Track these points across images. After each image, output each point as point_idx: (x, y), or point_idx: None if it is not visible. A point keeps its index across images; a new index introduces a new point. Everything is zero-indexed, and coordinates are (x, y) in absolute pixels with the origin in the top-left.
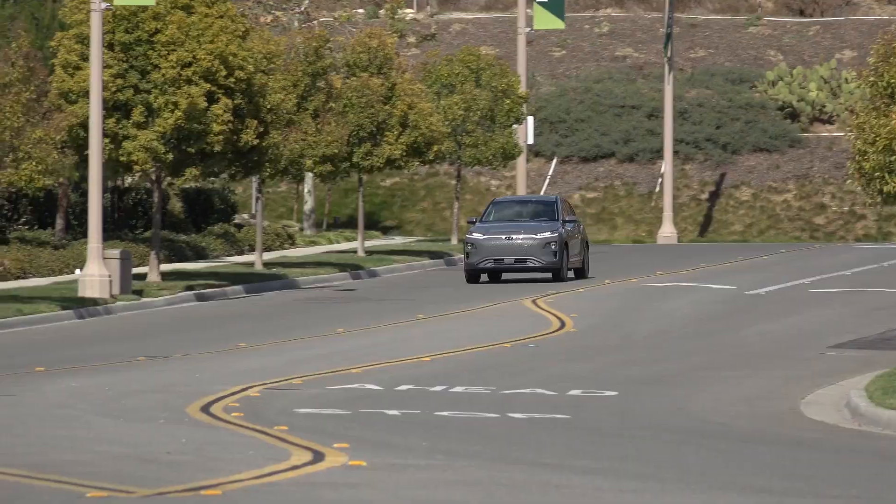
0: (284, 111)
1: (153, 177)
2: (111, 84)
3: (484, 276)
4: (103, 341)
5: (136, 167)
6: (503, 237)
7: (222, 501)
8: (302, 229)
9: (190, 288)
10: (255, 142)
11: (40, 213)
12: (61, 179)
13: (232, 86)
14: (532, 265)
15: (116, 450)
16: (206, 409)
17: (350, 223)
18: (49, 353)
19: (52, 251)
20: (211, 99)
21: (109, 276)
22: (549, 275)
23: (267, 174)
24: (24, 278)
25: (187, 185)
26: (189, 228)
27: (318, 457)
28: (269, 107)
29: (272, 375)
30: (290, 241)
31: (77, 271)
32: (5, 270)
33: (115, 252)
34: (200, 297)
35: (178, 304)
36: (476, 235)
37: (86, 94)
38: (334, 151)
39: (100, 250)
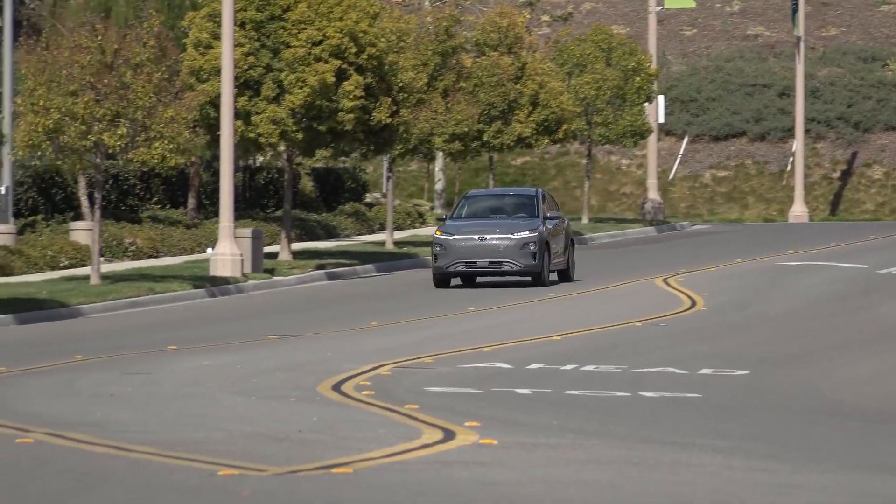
0: (415, 90)
1: (284, 156)
2: (242, 62)
3: (456, 279)
4: (235, 320)
5: (264, 140)
6: (476, 237)
7: (353, 480)
8: (432, 208)
9: (321, 267)
10: (388, 120)
11: (172, 193)
12: (193, 158)
13: (363, 64)
14: (508, 269)
15: (248, 428)
16: (337, 387)
17: None
18: (181, 331)
19: (184, 230)
20: (342, 77)
21: (241, 255)
22: (529, 279)
23: (398, 153)
24: (156, 257)
25: (318, 165)
26: (320, 207)
27: (449, 435)
28: (399, 85)
29: (403, 354)
30: (421, 219)
31: (209, 250)
32: (138, 249)
33: (247, 231)
34: (331, 276)
35: (309, 283)
36: (445, 235)
37: (217, 72)
38: (464, 130)
39: (231, 229)
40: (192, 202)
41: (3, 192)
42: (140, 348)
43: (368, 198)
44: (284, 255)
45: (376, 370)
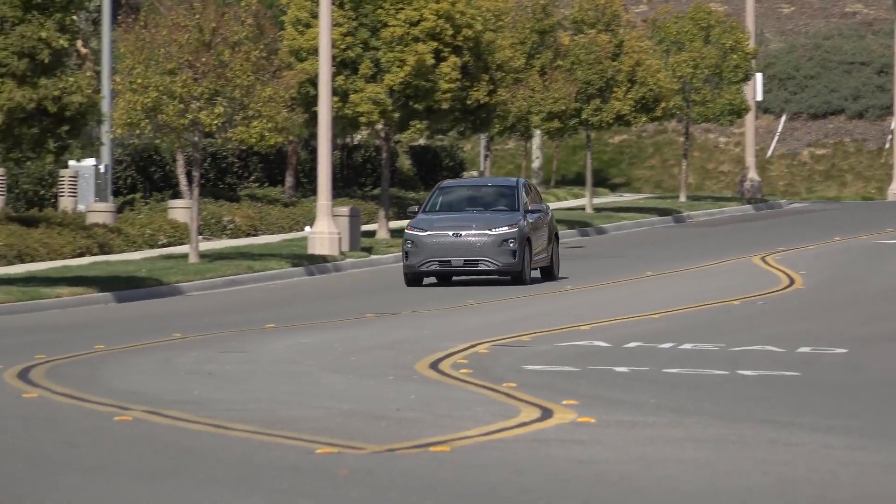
0: (512, 68)
1: (381, 134)
2: (340, 42)
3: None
4: (332, 298)
5: (363, 119)
6: (450, 233)
7: (451, 458)
8: None
9: None
10: (485, 99)
11: (270, 171)
12: (291, 137)
13: (460, 44)
14: (485, 268)
15: (346, 406)
16: (434, 365)
17: (578, 180)
18: (279, 309)
19: (282, 208)
20: (440, 57)
21: (339, 234)
22: (508, 278)
23: (495, 131)
24: (254, 235)
25: (415, 143)
26: (417, 186)
27: (547, 413)
28: (497, 64)
29: (500, 332)
30: None
31: (307, 228)
32: (236, 228)
33: (345, 209)
34: None
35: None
36: (416, 231)
37: (315, 51)
38: (562, 108)
39: (329, 207)
40: (289, 180)
41: (102, 170)
42: (238, 326)
43: (466, 176)
44: (382, 234)
45: (474, 348)
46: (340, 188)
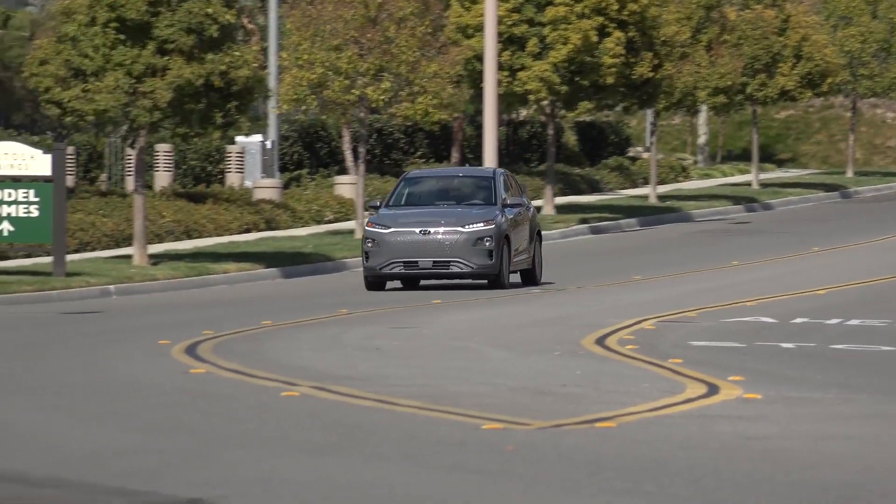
0: (678, 44)
1: (547, 110)
2: (506, 18)
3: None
4: None
5: (531, 97)
6: (417, 231)
7: (617, 433)
8: (696, 162)
9: (584, 221)
10: (649, 74)
11: (436, 147)
12: (456, 113)
13: (625, 19)
14: (457, 270)
15: (511, 382)
16: (600, 341)
17: (744, 156)
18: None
19: None
20: (604, 32)
21: None
22: (484, 282)
23: (661, 107)
24: None
25: (581, 119)
26: (583, 162)
27: (713, 389)
28: (662, 39)
29: (666, 308)
30: (684, 173)
31: None
32: None
33: None
34: (595, 230)
35: (572, 237)
36: (378, 228)
37: (481, 27)
38: (728, 84)
39: None
40: (455, 156)
41: (268, 146)
42: (405, 302)
43: (631, 152)
44: (548, 210)
45: (639, 324)
46: (506, 164)
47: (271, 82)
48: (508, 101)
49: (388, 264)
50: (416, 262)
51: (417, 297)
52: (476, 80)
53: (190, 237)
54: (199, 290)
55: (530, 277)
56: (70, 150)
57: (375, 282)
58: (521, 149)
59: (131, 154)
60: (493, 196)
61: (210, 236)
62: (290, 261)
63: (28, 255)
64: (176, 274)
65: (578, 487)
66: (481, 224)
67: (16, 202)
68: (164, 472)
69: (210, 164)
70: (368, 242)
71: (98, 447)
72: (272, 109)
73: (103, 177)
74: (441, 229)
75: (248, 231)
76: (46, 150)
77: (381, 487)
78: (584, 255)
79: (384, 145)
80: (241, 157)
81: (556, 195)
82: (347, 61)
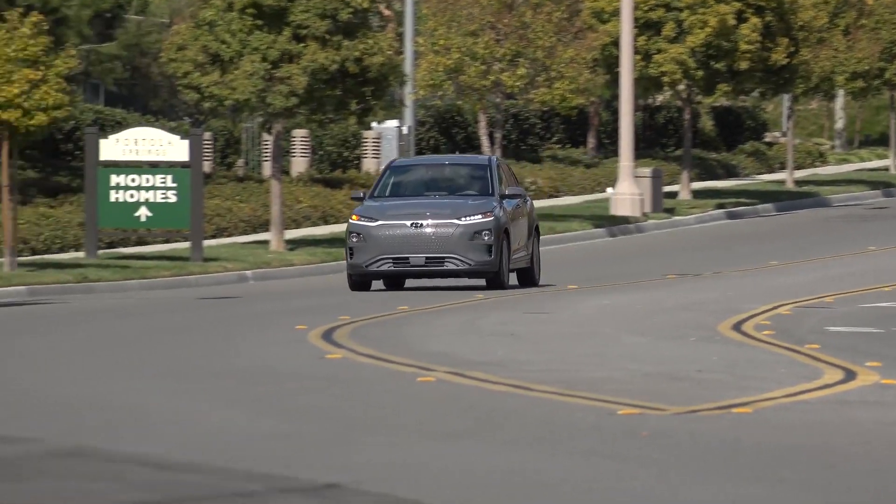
0: (815, 29)
1: (683, 95)
2: (643, 3)
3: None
4: (634, 259)
5: (666, 79)
6: (407, 223)
7: (752, 419)
8: (833, 147)
9: (720, 206)
10: (785, 60)
11: (572, 132)
12: (593, 98)
13: (763, 4)
14: (453, 267)
15: (647, 367)
16: (737, 327)
17: (881, 140)
18: (581, 270)
19: (584, 169)
20: (741, 17)
21: (640, 195)
22: (483, 281)
23: (798, 92)
24: (556, 196)
25: (717, 104)
26: (719, 147)
27: (850, 375)
28: (799, 24)
29: (802, 293)
30: (821, 158)
31: (608, 189)
32: (538, 189)
33: (647, 170)
34: (731, 215)
35: (708, 223)
36: (365, 221)
37: (617, 12)
38: (865, 68)
39: (631, 168)
40: (591, 141)
41: (405, 131)
42: (540, 288)
43: (768, 137)
44: (684, 195)
45: (776, 310)
46: (642, 149)
47: (407, 68)
48: (644, 85)
49: (376, 261)
50: (407, 258)
51: (551, 282)
52: (612, 65)
53: (326, 223)
54: (336, 276)
55: (528, 277)
56: (207, 135)
57: (360, 281)
58: (657, 134)
59: (268, 139)
60: (489, 186)
61: (346, 221)
62: None
63: (166, 241)
64: (312, 259)
65: (713, 473)
66: (479, 216)
67: (153, 188)
68: (301, 457)
69: (347, 150)
70: (353, 237)
71: (235, 432)
72: (408, 95)
73: (240, 162)
74: (434, 221)
75: None
76: (184, 135)
77: (515, 472)
78: (720, 240)
79: (520, 130)
80: (378, 142)
81: (692, 180)
82: (484, 47)
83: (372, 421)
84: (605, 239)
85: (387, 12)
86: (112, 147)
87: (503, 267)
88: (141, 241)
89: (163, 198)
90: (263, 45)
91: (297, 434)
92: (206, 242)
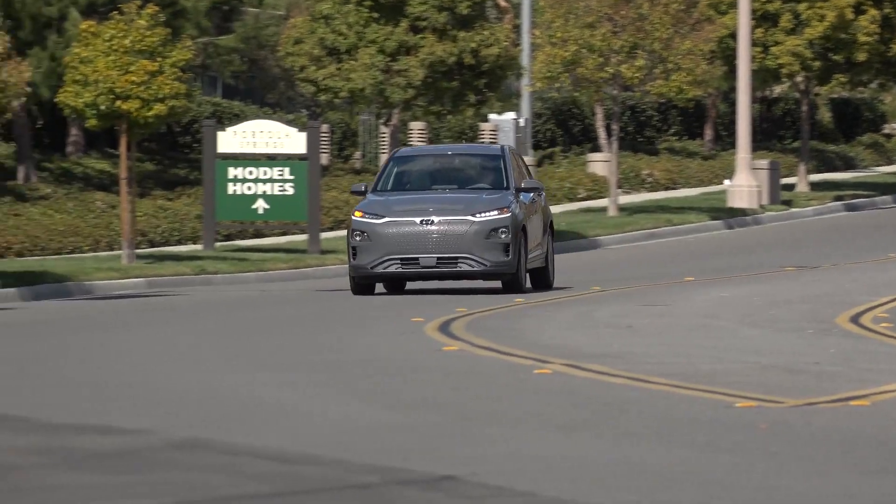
0: None
1: (801, 86)
2: None
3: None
4: (751, 251)
5: (784, 71)
6: (417, 220)
7: (871, 412)
8: None
9: (838, 198)
10: None
11: (689, 124)
12: (710, 90)
13: None
14: (467, 269)
15: (764, 360)
16: (854, 319)
17: None
18: (697, 262)
19: (701, 161)
20: (859, 10)
21: (758, 186)
22: (497, 283)
23: None
24: (672, 189)
25: (835, 95)
26: (837, 138)
27: None
28: None
29: None
30: None
31: (726, 181)
32: (655, 181)
33: (764, 162)
34: (849, 207)
35: (826, 215)
36: (370, 217)
37: (735, 4)
38: None
39: (748, 161)
40: (708, 133)
41: (522, 123)
42: (657, 280)
43: (886, 128)
44: (802, 187)
45: (894, 302)
46: (759, 141)
47: (524, 60)
48: (762, 77)
49: (382, 261)
50: (417, 258)
51: (667, 274)
52: (729, 56)
53: None
54: None
55: (542, 278)
56: (324, 128)
57: (364, 283)
58: (774, 126)
59: (385, 132)
60: (504, 178)
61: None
62: None
63: (283, 233)
64: None
65: (831, 466)
66: (494, 212)
67: (271, 180)
68: (417, 449)
69: (464, 142)
70: (357, 235)
71: (351, 424)
72: (525, 87)
73: (357, 154)
74: (446, 218)
75: None
76: (301, 128)
77: (632, 465)
78: (838, 233)
79: (637, 122)
80: (494, 134)
81: (809, 172)
82: (601, 39)
83: (489, 413)
84: (721, 231)
85: (504, 4)
86: (230, 139)
87: (521, 268)
88: (258, 234)
89: (280, 190)
90: (380, 37)
91: (414, 426)
92: (324, 234)
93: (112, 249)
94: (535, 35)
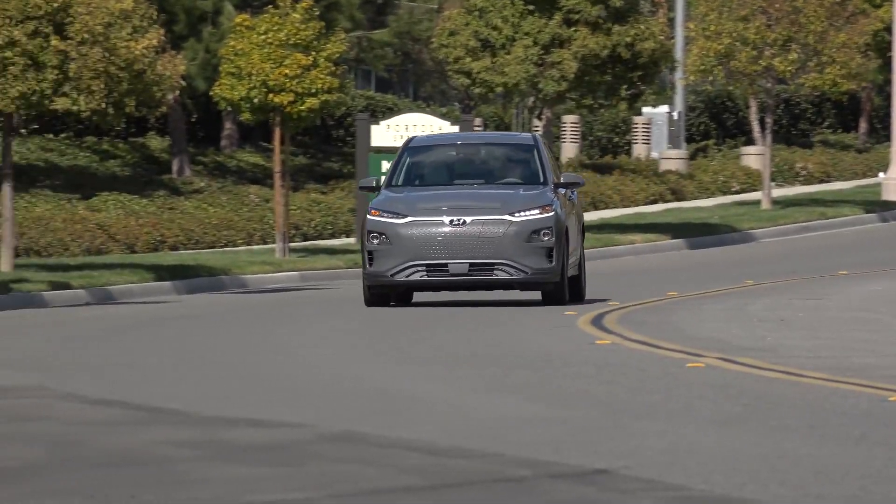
0: None
1: None
2: None
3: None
4: None
5: None
6: (446, 220)
7: None
8: None
9: None
10: None
11: (843, 117)
12: (865, 83)
13: None
14: (504, 276)
15: None
16: None
17: None
18: (851, 256)
19: (856, 155)
20: None
21: None
22: (533, 293)
23: None
24: (826, 182)
25: None
26: None
27: None
28: None
29: None
30: None
31: (880, 174)
32: (808, 174)
33: None
34: None
35: None
36: (389, 217)
37: None
38: None
39: None
40: (863, 126)
41: (675, 117)
42: (810, 273)
43: None
44: None
45: None
46: None
47: (678, 53)
48: None
49: (405, 268)
50: (446, 265)
51: (820, 268)
52: (884, 49)
53: (596, 208)
54: (605, 262)
55: (575, 288)
56: (477, 121)
57: (380, 294)
58: None
59: (538, 125)
60: (539, 172)
61: (616, 207)
62: (696, 231)
63: None
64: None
65: None
66: (536, 211)
67: None
68: (569, 443)
69: (616, 135)
70: (374, 238)
71: (503, 417)
72: (679, 80)
73: None
74: (480, 218)
75: (653, 202)
76: (454, 121)
77: (786, 458)
78: None
79: (791, 115)
80: (648, 127)
81: None
82: (755, 32)
83: (641, 407)
84: (876, 224)
85: None
86: (383, 133)
87: (565, 275)
88: None
89: None
90: (535, 29)
91: (566, 420)
92: None
93: (265, 243)
94: (689, 28)
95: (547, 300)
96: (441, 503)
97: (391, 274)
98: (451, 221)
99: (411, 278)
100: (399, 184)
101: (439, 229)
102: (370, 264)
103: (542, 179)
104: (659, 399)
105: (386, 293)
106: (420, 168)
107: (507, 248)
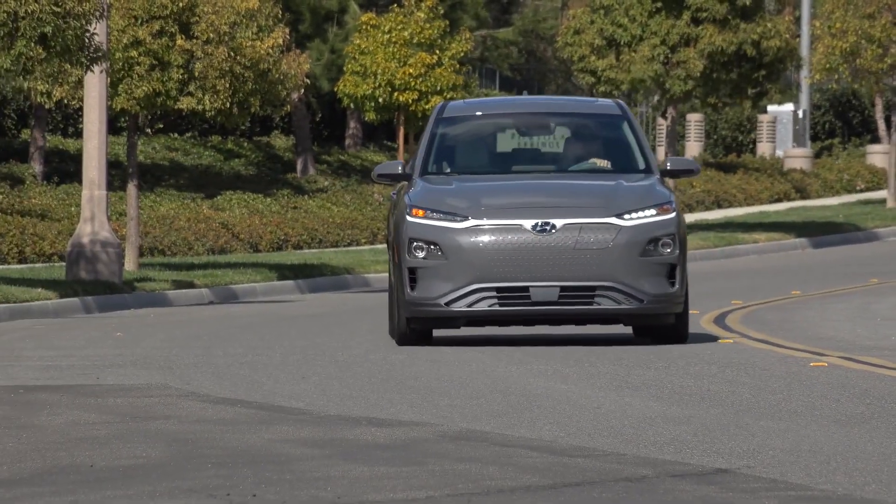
0: None
1: None
2: None
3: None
4: None
5: None
6: (525, 222)
7: None
8: None
9: None
10: None
11: None
12: None
13: None
14: (611, 307)
15: None
16: None
17: None
18: None
19: None
20: None
21: None
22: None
23: None
24: None
25: None
26: None
27: None
28: None
29: None
30: None
31: None
32: None
33: None
34: None
35: None
36: (437, 220)
37: None
38: None
39: None
40: None
41: (800, 115)
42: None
43: None
44: None
45: None
46: None
47: (803, 51)
48: None
49: (467, 293)
50: (527, 289)
51: None
52: None
53: (720, 206)
54: (729, 260)
55: (680, 322)
56: None
57: (424, 330)
58: None
59: (662, 124)
60: (637, 154)
61: (740, 206)
62: (820, 230)
63: None
64: (705, 244)
65: None
66: (651, 211)
67: None
68: (691, 442)
69: (741, 134)
70: (419, 249)
71: (624, 416)
72: (804, 79)
73: None
74: (575, 222)
75: (778, 201)
76: None
77: None
78: None
79: None
80: (773, 126)
81: None
82: (881, 29)
83: (763, 406)
84: None
85: None
86: None
87: (687, 306)
88: None
89: None
90: (663, 28)
91: (688, 419)
92: None
93: None
94: (815, 26)
95: (657, 339)
96: (561, 503)
97: (446, 302)
98: (535, 226)
99: (475, 308)
100: (436, 171)
101: (517, 237)
102: (412, 288)
103: (642, 165)
104: (781, 398)
105: (430, 329)
106: (465, 147)
107: (615, 266)
